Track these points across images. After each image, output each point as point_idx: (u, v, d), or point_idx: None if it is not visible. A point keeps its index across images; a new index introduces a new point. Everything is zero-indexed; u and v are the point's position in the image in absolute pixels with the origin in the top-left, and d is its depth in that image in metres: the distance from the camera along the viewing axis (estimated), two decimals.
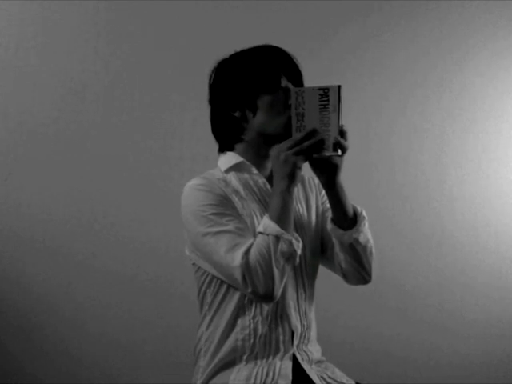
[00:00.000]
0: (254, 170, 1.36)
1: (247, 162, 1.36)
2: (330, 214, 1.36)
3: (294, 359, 1.33)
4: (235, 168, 1.36)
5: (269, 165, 1.38)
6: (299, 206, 1.40)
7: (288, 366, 1.30)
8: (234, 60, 1.36)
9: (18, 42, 2.24)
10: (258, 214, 1.31)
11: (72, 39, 2.28)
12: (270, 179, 1.36)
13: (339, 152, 1.22)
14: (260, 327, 1.30)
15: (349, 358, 2.26)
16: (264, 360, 1.30)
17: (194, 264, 1.37)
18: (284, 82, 1.31)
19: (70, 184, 2.25)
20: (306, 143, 1.21)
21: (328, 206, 1.38)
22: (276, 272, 1.21)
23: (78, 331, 2.25)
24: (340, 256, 1.36)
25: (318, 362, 1.39)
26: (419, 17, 2.57)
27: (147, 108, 2.31)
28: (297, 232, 1.30)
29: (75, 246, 2.25)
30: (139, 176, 2.29)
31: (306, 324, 1.36)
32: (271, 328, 1.31)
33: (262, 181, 1.36)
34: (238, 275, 1.20)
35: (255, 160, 1.36)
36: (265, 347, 1.30)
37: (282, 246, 1.21)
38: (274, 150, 1.24)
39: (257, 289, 1.20)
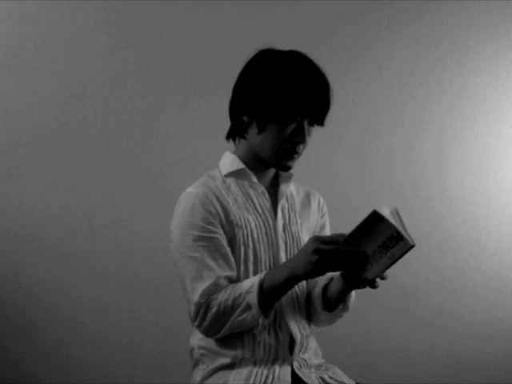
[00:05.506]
0: (254, 179, 1.36)
1: (248, 171, 1.35)
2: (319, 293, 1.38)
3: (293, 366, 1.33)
4: (235, 174, 1.36)
5: (268, 174, 1.39)
6: (294, 221, 1.41)
7: (287, 371, 1.30)
8: (273, 73, 1.28)
9: (18, 42, 2.24)
10: (252, 226, 1.32)
11: (72, 39, 2.28)
12: (269, 188, 1.38)
13: (360, 287, 1.23)
14: (258, 336, 1.30)
15: (349, 357, 2.27)
16: (263, 365, 1.30)
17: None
18: (304, 123, 1.29)
19: (70, 184, 2.25)
20: (344, 266, 1.16)
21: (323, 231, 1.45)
22: (227, 328, 1.25)
23: (77, 331, 2.25)
24: (318, 314, 1.40)
25: (318, 365, 1.38)
26: (419, 17, 2.57)
27: (147, 108, 2.31)
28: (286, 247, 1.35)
29: (75, 246, 2.25)
30: (139, 176, 2.29)
31: (304, 333, 1.36)
32: (270, 336, 1.31)
33: (261, 189, 1.37)
34: (192, 310, 1.26)
35: (255, 165, 1.36)
36: (264, 354, 1.30)
37: (247, 317, 1.23)
38: (317, 249, 1.14)
39: (201, 328, 1.27)
